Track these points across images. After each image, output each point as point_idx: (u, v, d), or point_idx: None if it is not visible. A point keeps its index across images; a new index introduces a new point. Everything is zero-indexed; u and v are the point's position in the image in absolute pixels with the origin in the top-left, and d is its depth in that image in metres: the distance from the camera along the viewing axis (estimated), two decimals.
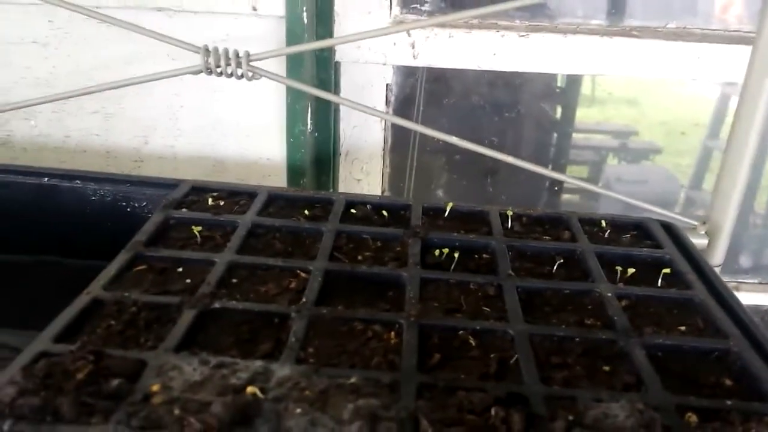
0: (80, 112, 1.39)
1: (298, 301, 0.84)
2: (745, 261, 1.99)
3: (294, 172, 1.34)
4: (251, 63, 1.11)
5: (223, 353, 0.73)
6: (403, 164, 1.74)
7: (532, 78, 1.71)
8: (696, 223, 1.21)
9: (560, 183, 2.08)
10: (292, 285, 0.89)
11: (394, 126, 1.65)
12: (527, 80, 1.71)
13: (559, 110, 1.93)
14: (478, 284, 0.92)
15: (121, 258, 0.91)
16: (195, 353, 0.71)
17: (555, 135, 1.92)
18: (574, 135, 2.10)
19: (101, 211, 1.17)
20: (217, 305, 0.81)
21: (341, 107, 1.54)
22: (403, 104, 1.66)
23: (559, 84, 1.91)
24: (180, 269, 0.91)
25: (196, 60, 1.11)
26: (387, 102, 1.60)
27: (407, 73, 1.64)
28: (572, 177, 1.20)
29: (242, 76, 1.10)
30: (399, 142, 1.69)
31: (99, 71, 1.35)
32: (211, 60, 1.09)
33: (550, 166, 1.97)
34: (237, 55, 1.09)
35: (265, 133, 1.38)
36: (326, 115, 1.44)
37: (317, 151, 1.43)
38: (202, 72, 1.10)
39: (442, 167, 1.79)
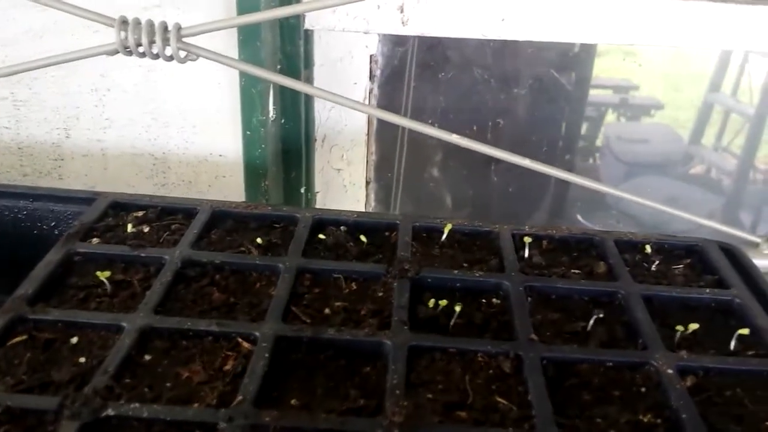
0: None
1: (233, 395, 0.59)
2: None
3: (252, 172, 1.07)
4: (184, 39, 0.83)
5: None
6: (392, 150, 1.47)
7: (544, 46, 1.43)
8: (759, 239, 0.96)
9: (572, 162, 1.82)
10: (228, 365, 0.63)
11: (380, 103, 1.38)
12: (540, 48, 1.43)
13: (572, 83, 1.65)
14: (488, 355, 0.66)
15: None
16: None
17: (567, 113, 1.65)
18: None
19: (0, 234, 0.91)
20: (110, 411, 0.56)
21: (315, 82, 1.26)
22: (391, 78, 1.38)
23: (573, 51, 1.63)
24: (74, 340, 0.66)
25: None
26: (371, 77, 1.32)
27: (396, 42, 1.35)
28: (588, 180, 0.93)
29: (171, 57, 0.82)
30: (386, 124, 1.42)
31: (5, 48, 1.06)
32: (128, 36, 0.81)
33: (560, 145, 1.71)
34: (164, 29, 0.81)
35: (216, 123, 1.10)
36: (295, 97, 1.17)
37: (284, 142, 1.16)
38: (118, 52, 0.82)
39: (437, 153, 1.52)
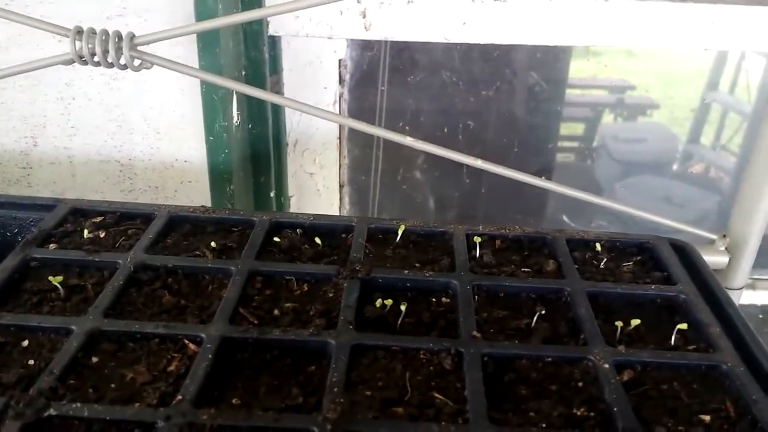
0: None
1: (173, 395, 0.60)
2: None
3: (217, 177, 1.09)
4: (139, 47, 0.84)
5: None
6: (366, 153, 1.48)
7: (512, 48, 1.45)
8: (714, 236, 0.97)
9: (548, 163, 1.83)
10: (172, 366, 0.65)
11: (351, 107, 1.39)
12: (507, 50, 1.44)
13: (542, 84, 1.67)
14: (430, 352, 0.68)
15: None
16: None
17: (539, 114, 1.66)
18: (568, 91, 1.84)
19: None
20: (53, 411, 0.58)
21: (285, 87, 1.28)
22: (361, 82, 1.40)
23: (541, 55, 1.64)
24: (25, 343, 0.67)
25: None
26: (341, 81, 1.34)
27: (364, 46, 1.37)
28: (560, 185, 0.95)
29: (126, 65, 0.84)
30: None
31: None
32: (83, 45, 0.83)
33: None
34: (118, 38, 0.83)
35: (180, 129, 1.12)
36: (261, 102, 1.18)
37: (252, 147, 1.18)
38: (74, 62, 0.84)
39: (417, 155, 1.53)
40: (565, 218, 2.23)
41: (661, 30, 1.17)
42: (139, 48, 0.85)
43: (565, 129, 1.84)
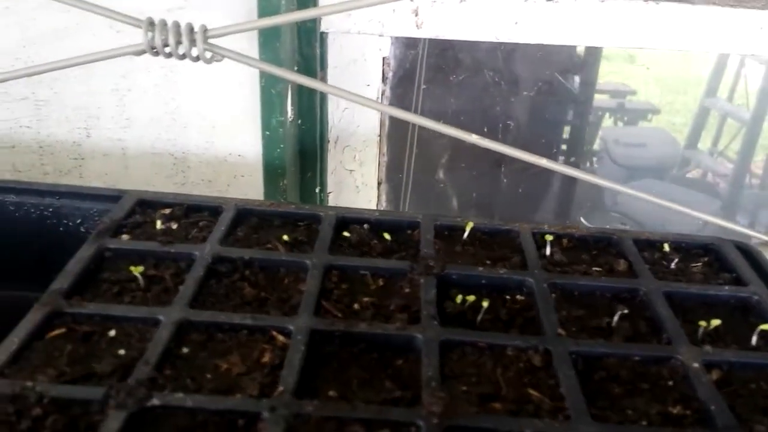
0: (6, 99, 1.12)
1: (272, 386, 0.60)
2: None
3: (272, 172, 1.09)
4: (209, 40, 0.84)
5: None
6: (402, 151, 1.49)
7: (552, 50, 1.46)
8: None
9: (577, 164, 1.84)
10: (265, 357, 0.65)
11: (392, 104, 1.39)
12: (548, 52, 1.45)
13: (577, 86, 1.67)
14: (517, 349, 0.68)
15: (31, 319, 0.66)
16: None
17: (574, 116, 1.67)
18: None
19: (27, 231, 0.92)
20: (156, 401, 0.57)
21: (330, 84, 1.28)
22: (402, 81, 1.40)
23: (579, 55, 1.65)
24: (112, 333, 0.67)
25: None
26: (384, 79, 1.34)
27: (407, 44, 1.37)
28: (599, 178, 0.95)
29: (198, 57, 0.84)
30: (397, 125, 1.44)
31: (26, 49, 1.07)
32: (156, 37, 0.82)
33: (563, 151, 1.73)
34: (191, 30, 0.83)
35: (235, 123, 1.12)
36: (311, 98, 1.18)
37: (301, 142, 1.18)
38: (145, 52, 0.83)
39: (447, 154, 1.54)
40: (582, 219, 2.24)
41: (711, 34, 1.18)
42: (210, 41, 0.85)
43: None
